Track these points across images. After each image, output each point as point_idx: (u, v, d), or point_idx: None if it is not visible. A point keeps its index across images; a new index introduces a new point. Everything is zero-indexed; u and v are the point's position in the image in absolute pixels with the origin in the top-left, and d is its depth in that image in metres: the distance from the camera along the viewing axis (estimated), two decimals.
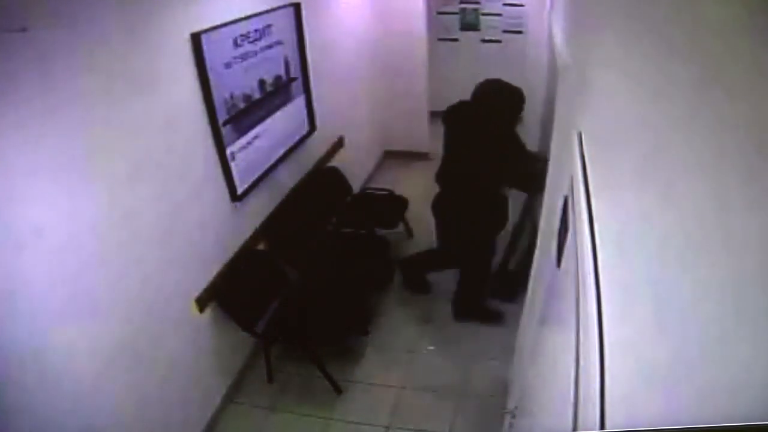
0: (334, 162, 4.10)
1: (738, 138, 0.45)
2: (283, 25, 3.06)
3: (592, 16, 1.43)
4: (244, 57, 2.66)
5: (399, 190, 4.29)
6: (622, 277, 0.71)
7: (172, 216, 2.30)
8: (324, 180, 3.85)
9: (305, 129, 3.54)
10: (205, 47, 2.30)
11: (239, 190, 2.75)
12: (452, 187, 3.09)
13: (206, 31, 2.32)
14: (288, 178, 3.41)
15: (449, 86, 6.67)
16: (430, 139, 5.64)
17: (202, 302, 2.52)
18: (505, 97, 2.84)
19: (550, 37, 3.37)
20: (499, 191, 3.06)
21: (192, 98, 2.34)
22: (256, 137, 2.88)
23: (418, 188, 4.83)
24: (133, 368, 2.12)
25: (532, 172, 3.08)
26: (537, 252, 2.29)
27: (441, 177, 3.12)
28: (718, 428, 0.39)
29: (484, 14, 6.11)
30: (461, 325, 3.38)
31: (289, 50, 3.17)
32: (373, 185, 4.78)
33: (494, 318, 3.38)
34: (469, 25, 6.20)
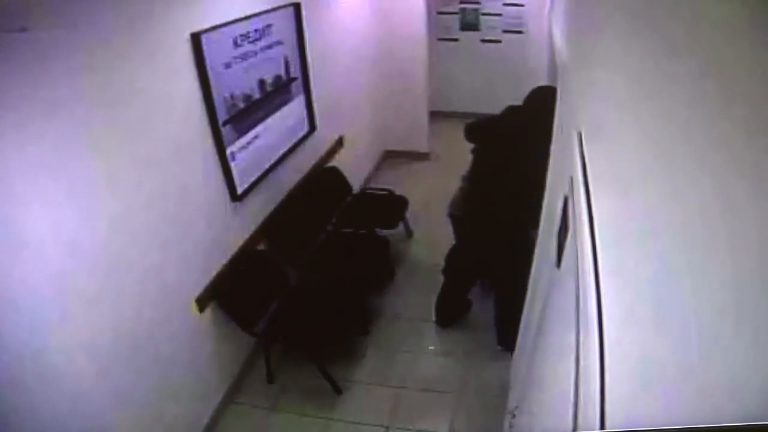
0: (334, 162, 4.10)
1: (739, 136, 0.45)
2: (283, 25, 3.05)
3: (592, 16, 1.43)
4: (244, 57, 2.66)
5: (399, 190, 4.29)
6: (622, 277, 0.71)
7: (172, 216, 2.29)
8: (324, 180, 3.85)
9: (305, 129, 3.54)
10: (205, 47, 2.30)
11: (239, 190, 2.75)
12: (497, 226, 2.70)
13: (206, 30, 2.32)
14: (288, 178, 3.41)
15: (449, 86, 6.72)
16: (430, 139, 5.65)
17: (202, 302, 2.52)
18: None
19: (550, 37, 3.37)
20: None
21: (192, 98, 2.34)
22: (256, 137, 2.88)
23: (418, 188, 4.83)
24: (133, 368, 2.12)
25: None
26: (537, 252, 2.29)
27: (476, 216, 2.71)
28: (718, 428, 0.39)
29: (484, 14, 6.11)
30: (461, 325, 3.37)
31: (289, 50, 3.17)
32: (373, 185, 4.78)
33: (468, 308, 3.40)
34: (469, 25, 6.20)
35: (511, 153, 2.54)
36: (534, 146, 2.29)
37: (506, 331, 3.05)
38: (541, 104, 2.39)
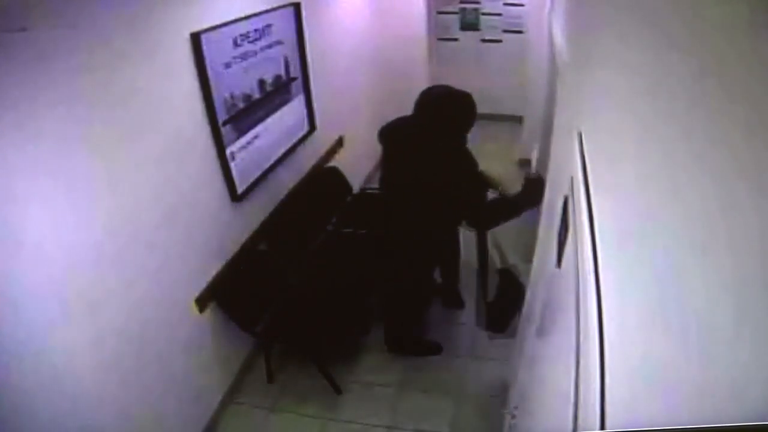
0: (334, 162, 4.10)
1: (740, 135, 0.45)
2: (283, 25, 3.05)
3: (592, 16, 1.43)
4: (244, 57, 2.66)
5: None
6: (622, 277, 0.71)
7: (172, 216, 2.29)
8: (324, 180, 3.85)
9: (305, 129, 3.54)
10: (204, 47, 2.30)
11: (239, 190, 2.75)
12: (394, 215, 2.74)
13: (206, 30, 2.32)
14: (288, 178, 3.41)
15: None
16: None
17: (202, 302, 2.52)
18: (457, 106, 2.41)
19: (550, 37, 3.36)
20: (445, 222, 2.64)
21: (192, 98, 2.34)
22: (255, 137, 2.88)
23: None
24: (133, 369, 2.12)
25: (487, 203, 2.71)
26: (537, 252, 2.29)
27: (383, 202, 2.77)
28: (718, 428, 0.39)
29: (484, 14, 6.11)
30: (461, 326, 3.38)
31: (289, 50, 3.17)
32: (373, 185, 4.78)
33: (430, 351, 3.17)
34: (469, 25, 6.20)
35: (399, 153, 2.61)
36: (419, 145, 2.43)
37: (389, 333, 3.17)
38: (426, 104, 2.45)
